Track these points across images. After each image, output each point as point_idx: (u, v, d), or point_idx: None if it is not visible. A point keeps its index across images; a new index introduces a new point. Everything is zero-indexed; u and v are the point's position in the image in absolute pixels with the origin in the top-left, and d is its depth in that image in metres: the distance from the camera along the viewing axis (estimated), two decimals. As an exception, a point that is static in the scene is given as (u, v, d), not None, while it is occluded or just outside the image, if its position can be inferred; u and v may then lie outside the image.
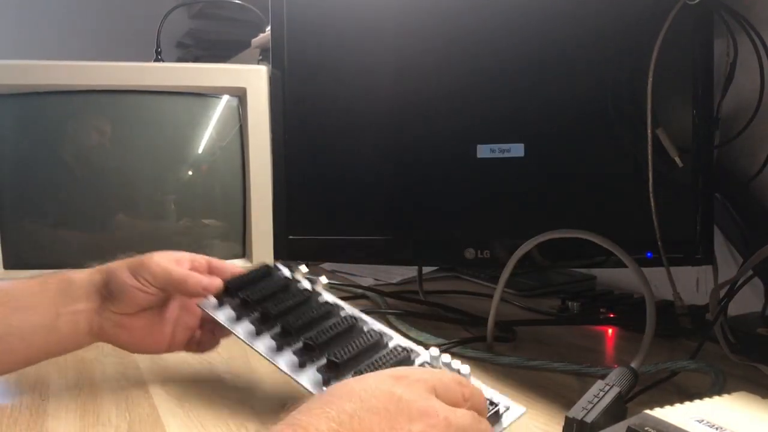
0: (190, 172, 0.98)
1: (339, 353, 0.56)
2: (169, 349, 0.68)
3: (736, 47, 0.83)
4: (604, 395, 0.54)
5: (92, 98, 0.93)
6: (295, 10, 0.92)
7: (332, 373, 0.55)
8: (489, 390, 0.52)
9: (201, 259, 0.68)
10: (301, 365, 0.58)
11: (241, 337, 0.62)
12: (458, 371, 0.53)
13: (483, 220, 0.87)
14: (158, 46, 1.22)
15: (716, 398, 0.52)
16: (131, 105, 0.94)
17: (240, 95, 0.96)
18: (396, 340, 0.60)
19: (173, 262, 0.65)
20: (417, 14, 0.88)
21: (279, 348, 0.60)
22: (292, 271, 0.69)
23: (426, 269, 1.15)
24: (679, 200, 0.81)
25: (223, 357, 0.78)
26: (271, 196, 0.96)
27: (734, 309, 0.76)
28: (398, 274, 1.22)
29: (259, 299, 0.65)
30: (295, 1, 0.92)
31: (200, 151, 0.97)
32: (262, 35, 1.43)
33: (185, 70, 0.96)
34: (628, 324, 0.89)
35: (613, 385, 0.55)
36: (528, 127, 0.85)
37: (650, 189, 0.78)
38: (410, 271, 1.19)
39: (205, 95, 0.96)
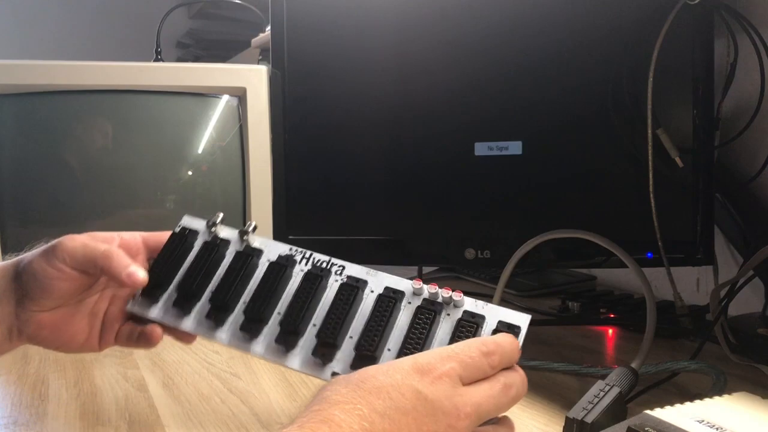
0: (190, 172, 0.98)
1: (326, 330, 0.51)
2: (103, 345, 0.60)
3: (736, 47, 0.83)
4: (604, 395, 0.54)
5: (92, 98, 0.93)
6: (295, 10, 0.92)
7: (327, 351, 0.51)
8: (501, 311, 0.50)
9: (133, 235, 0.59)
10: (288, 349, 0.52)
11: (200, 334, 0.56)
12: (451, 297, 0.51)
13: (483, 219, 0.87)
14: (158, 46, 1.22)
15: (716, 398, 0.52)
16: (131, 105, 0.94)
17: (240, 95, 0.96)
18: (371, 283, 0.54)
19: (94, 239, 0.56)
20: (416, 14, 0.88)
21: (252, 335, 0.54)
22: (208, 226, 0.59)
23: (426, 269, 1.15)
24: (680, 200, 0.81)
25: (223, 357, 0.78)
26: (270, 196, 0.96)
27: (734, 309, 0.76)
28: (398, 274, 1.22)
29: (199, 282, 0.56)
30: (295, 1, 0.92)
31: (200, 151, 0.97)
32: (262, 35, 1.43)
33: (185, 70, 0.96)
34: (629, 324, 0.89)
35: (614, 385, 0.55)
36: (526, 125, 0.85)
37: (650, 189, 0.78)
38: (410, 271, 1.19)
39: (205, 95, 0.96)
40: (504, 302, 0.64)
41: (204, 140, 0.97)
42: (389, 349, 0.50)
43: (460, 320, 0.50)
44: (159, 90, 0.94)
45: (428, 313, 0.50)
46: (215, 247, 0.58)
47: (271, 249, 0.57)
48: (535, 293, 1.08)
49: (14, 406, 0.64)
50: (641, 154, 0.78)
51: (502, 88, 0.85)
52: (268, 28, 0.99)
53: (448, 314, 0.51)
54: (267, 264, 0.56)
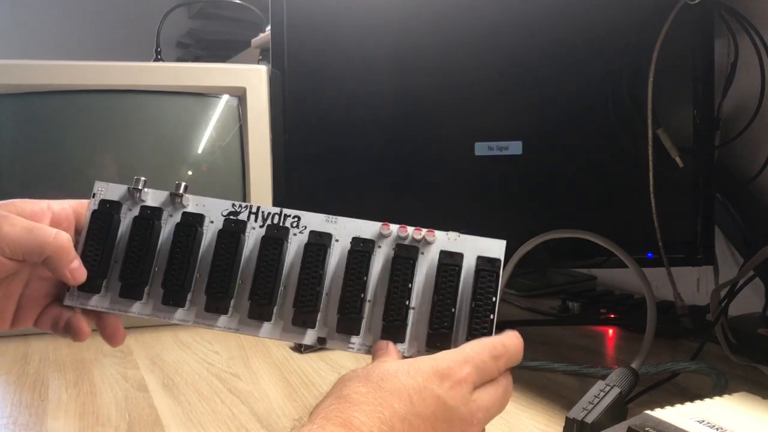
0: (190, 172, 0.97)
1: (303, 297, 0.49)
2: (17, 325, 0.52)
3: (736, 47, 0.83)
4: (604, 396, 0.54)
5: (92, 98, 0.93)
6: (295, 10, 0.92)
7: (307, 317, 0.49)
8: (476, 242, 0.49)
9: (62, 206, 0.53)
10: (263, 320, 0.50)
11: (159, 319, 0.51)
12: (424, 238, 0.49)
13: (483, 219, 0.87)
14: (158, 45, 1.22)
15: (717, 399, 0.52)
16: (131, 105, 0.94)
17: (240, 95, 0.96)
18: (335, 233, 0.51)
19: (31, 221, 0.49)
20: (416, 14, 0.88)
21: (220, 312, 0.50)
22: (131, 193, 0.53)
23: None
24: (680, 200, 0.81)
25: (223, 357, 0.78)
26: (271, 195, 0.96)
27: (735, 309, 0.75)
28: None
29: (143, 267, 0.51)
30: (295, 1, 0.92)
31: (200, 150, 0.97)
32: (262, 35, 1.43)
33: (185, 70, 0.96)
34: (629, 324, 0.89)
35: (614, 385, 0.55)
36: (526, 125, 0.85)
37: (651, 189, 0.78)
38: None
39: (205, 95, 0.96)
40: (504, 302, 0.64)
41: (204, 140, 0.97)
42: (370, 301, 0.49)
43: (440, 264, 0.48)
44: (159, 90, 0.94)
45: (405, 261, 0.49)
46: (149, 221, 0.52)
47: (211, 209, 0.52)
48: (535, 293, 1.08)
49: (14, 406, 0.64)
50: (641, 154, 0.78)
51: (502, 88, 0.85)
52: (268, 28, 0.99)
53: (423, 253, 0.49)
54: (216, 232, 0.51)
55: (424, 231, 0.50)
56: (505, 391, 0.46)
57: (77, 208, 0.53)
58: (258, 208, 0.52)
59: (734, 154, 0.87)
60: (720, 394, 0.55)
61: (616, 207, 0.83)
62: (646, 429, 0.44)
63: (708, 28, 0.80)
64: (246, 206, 0.52)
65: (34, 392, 0.67)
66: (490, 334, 0.47)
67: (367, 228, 0.51)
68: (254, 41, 1.49)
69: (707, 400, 0.51)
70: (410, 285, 0.48)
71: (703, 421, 0.46)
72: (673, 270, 0.79)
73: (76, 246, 0.51)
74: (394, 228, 0.50)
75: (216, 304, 0.50)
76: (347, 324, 0.48)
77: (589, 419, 0.50)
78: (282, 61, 0.92)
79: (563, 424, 0.52)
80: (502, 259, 0.49)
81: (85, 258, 0.51)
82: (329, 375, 0.72)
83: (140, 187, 0.53)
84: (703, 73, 0.80)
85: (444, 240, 0.50)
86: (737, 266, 0.88)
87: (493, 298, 0.47)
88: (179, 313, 0.51)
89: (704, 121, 0.80)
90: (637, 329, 0.85)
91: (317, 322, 0.49)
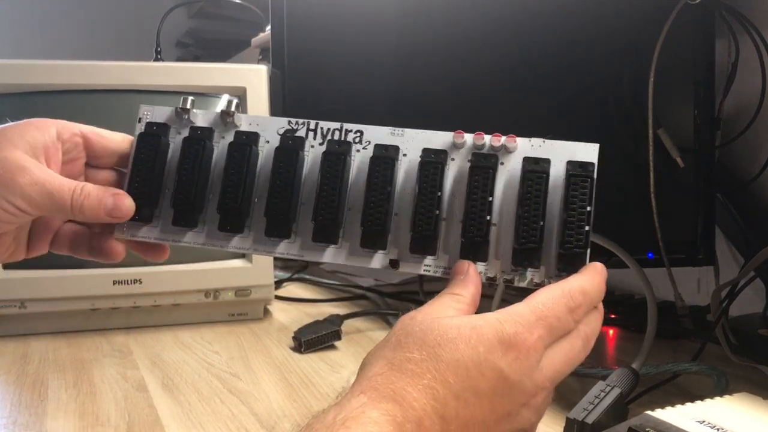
0: (190, 172, 0.97)
1: (371, 216, 0.44)
2: (32, 253, 0.50)
3: (737, 47, 0.83)
4: (605, 396, 0.53)
5: (92, 98, 0.93)
6: (295, 10, 0.92)
7: (376, 239, 0.45)
8: (565, 146, 0.46)
9: (72, 132, 0.48)
10: (329, 244, 0.46)
11: (215, 247, 0.48)
12: (503, 145, 0.45)
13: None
14: (158, 45, 1.21)
15: (717, 399, 0.51)
16: (131, 104, 0.93)
17: (240, 95, 0.96)
18: (402, 147, 0.47)
19: (50, 171, 0.45)
20: (416, 14, 0.88)
21: (281, 236, 0.47)
22: (178, 115, 0.50)
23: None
24: (681, 201, 0.81)
25: (223, 357, 0.78)
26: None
27: (735, 310, 0.75)
28: (398, 274, 1.22)
29: (197, 191, 0.47)
30: (295, 1, 0.92)
31: (200, 150, 0.97)
32: (262, 35, 1.43)
33: (185, 70, 0.96)
34: (629, 325, 0.89)
35: (615, 386, 0.55)
36: (527, 125, 0.84)
37: (651, 189, 0.77)
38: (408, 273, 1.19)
39: (205, 95, 0.96)
40: (504, 302, 0.64)
41: (204, 140, 0.97)
42: (445, 219, 0.45)
43: (524, 172, 0.44)
44: (159, 90, 0.94)
45: (484, 171, 0.44)
46: (200, 141, 0.48)
47: (266, 127, 0.49)
48: (535, 293, 1.08)
49: (14, 406, 0.64)
50: (642, 154, 0.78)
51: (502, 88, 0.85)
52: (268, 27, 0.99)
53: (502, 163, 0.45)
54: (274, 150, 0.47)
55: (503, 138, 0.45)
56: (585, 342, 0.41)
57: (89, 137, 0.49)
58: (317, 124, 0.48)
59: (735, 154, 0.87)
60: (721, 395, 0.55)
61: (617, 207, 0.83)
62: (647, 429, 0.44)
63: (709, 28, 0.80)
64: (303, 122, 0.48)
65: (33, 392, 0.67)
66: (585, 249, 0.43)
67: (438, 139, 0.47)
68: (254, 41, 1.49)
69: (708, 401, 0.51)
70: (491, 198, 0.43)
71: (704, 421, 0.46)
72: (673, 270, 0.79)
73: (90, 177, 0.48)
74: (468, 137, 0.46)
75: (277, 228, 0.46)
76: (421, 243, 0.44)
77: (590, 419, 0.50)
78: (282, 61, 0.92)
79: (563, 425, 0.51)
80: (596, 163, 0.44)
81: (132, 185, 0.48)
82: (329, 375, 0.72)
83: (188, 107, 0.49)
84: (704, 73, 0.80)
85: (527, 147, 0.46)
86: (738, 266, 0.87)
87: (588, 208, 0.43)
88: (236, 241, 0.47)
89: (705, 121, 0.80)
90: (638, 329, 0.85)
91: (388, 244, 0.45)
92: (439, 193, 0.44)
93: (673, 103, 0.80)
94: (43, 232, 0.50)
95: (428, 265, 0.45)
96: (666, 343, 0.81)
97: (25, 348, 0.81)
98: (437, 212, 0.44)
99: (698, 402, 0.50)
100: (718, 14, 0.81)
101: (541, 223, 0.43)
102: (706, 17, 0.79)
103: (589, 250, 0.44)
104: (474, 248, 0.44)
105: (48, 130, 0.47)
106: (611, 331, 0.90)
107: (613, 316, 0.93)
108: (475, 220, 0.43)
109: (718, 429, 0.45)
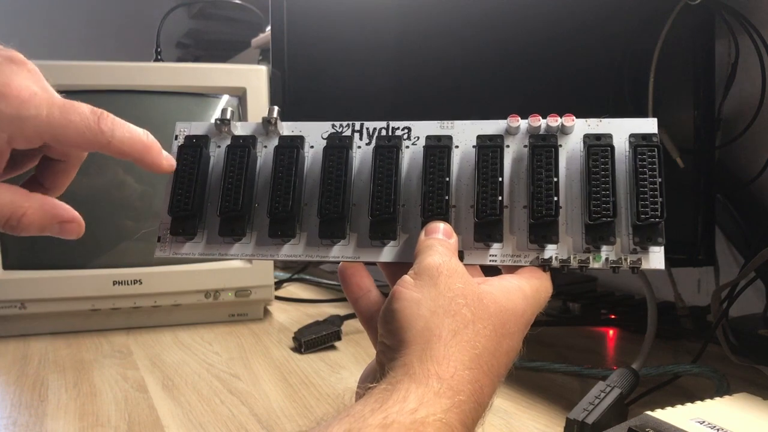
0: (190, 173, 0.97)
1: (432, 207, 0.43)
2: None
3: (737, 48, 0.83)
4: (605, 396, 0.53)
5: (92, 98, 0.92)
6: (295, 10, 0.92)
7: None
8: (622, 123, 0.44)
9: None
10: (386, 243, 0.44)
11: (265, 258, 0.47)
12: (561, 124, 0.43)
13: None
14: (158, 46, 1.21)
15: (717, 400, 0.51)
16: (131, 105, 0.94)
17: (240, 95, 0.96)
18: (455, 137, 0.45)
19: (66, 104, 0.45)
20: (416, 14, 0.88)
21: (334, 239, 0.45)
22: (218, 127, 0.48)
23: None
24: (681, 201, 0.80)
25: (223, 358, 0.78)
26: (271, 196, 0.96)
27: (736, 310, 0.75)
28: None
29: (244, 198, 0.46)
30: (295, 1, 0.92)
31: (200, 151, 0.97)
32: (262, 35, 1.43)
33: (185, 70, 0.96)
34: (629, 325, 0.89)
35: (615, 386, 0.55)
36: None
37: (651, 190, 0.77)
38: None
39: (205, 95, 0.96)
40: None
41: (204, 140, 0.97)
42: (506, 206, 0.43)
43: (588, 147, 0.42)
44: (159, 90, 0.94)
45: (546, 151, 0.42)
46: (244, 148, 0.46)
47: (310, 131, 0.47)
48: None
49: (14, 407, 0.64)
50: (642, 154, 0.78)
51: (501, 89, 0.85)
52: (268, 28, 0.99)
53: (561, 145, 0.43)
54: (321, 151, 0.45)
55: (560, 118, 0.43)
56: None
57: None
58: (362, 124, 0.47)
59: (735, 155, 0.87)
60: (721, 396, 0.55)
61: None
62: (647, 430, 0.44)
63: (709, 29, 0.79)
64: (348, 124, 0.47)
65: (33, 393, 0.67)
66: (662, 219, 0.43)
67: (490, 127, 0.45)
68: (254, 41, 1.49)
69: (708, 401, 0.51)
70: (555, 179, 0.42)
71: (704, 421, 0.46)
72: (673, 271, 0.79)
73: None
74: (523, 121, 0.44)
75: (331, 229, 0.44)
76: (486, 231, 0.42)
77: (590, 420, 0.50)
78: (282, 61, 0.92)
79: (564, 425, 0.51)
80: (657, 130, 0.43)
81: (174, 199, 0.46)
82: (329, 375, 0.72)
83: (228, 117, 0.47)
84: (704, 73, 0.79)
85: (583, 127, 0.44)
86: (738, 267, 0.87)
87: (659, 179, 0.43)
88: (286, 249, 0.45)
89: (705, 122, 0.80)
90: (638, 330, 0.85)
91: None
92: (500, 178, 0.42)
93: (672, 103, 0.80)
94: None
95: (493, 255, 0.43)
96: (666, 344, 0.81)
97: (25, 348, 0.81)
98: (500, 198, 0.42)
99: (698, 402, 0.50)
100: (718, 14, 0.81)
101: (613, 198, 0.41)
102: (706, 17, 0.79)
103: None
104: (543, 230, 0.42)
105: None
106: (611, 332, 0.90)
107: (613, 316, 0.93)
108: (540, 203, 0.41)
109: (718, 429, 0.45)
